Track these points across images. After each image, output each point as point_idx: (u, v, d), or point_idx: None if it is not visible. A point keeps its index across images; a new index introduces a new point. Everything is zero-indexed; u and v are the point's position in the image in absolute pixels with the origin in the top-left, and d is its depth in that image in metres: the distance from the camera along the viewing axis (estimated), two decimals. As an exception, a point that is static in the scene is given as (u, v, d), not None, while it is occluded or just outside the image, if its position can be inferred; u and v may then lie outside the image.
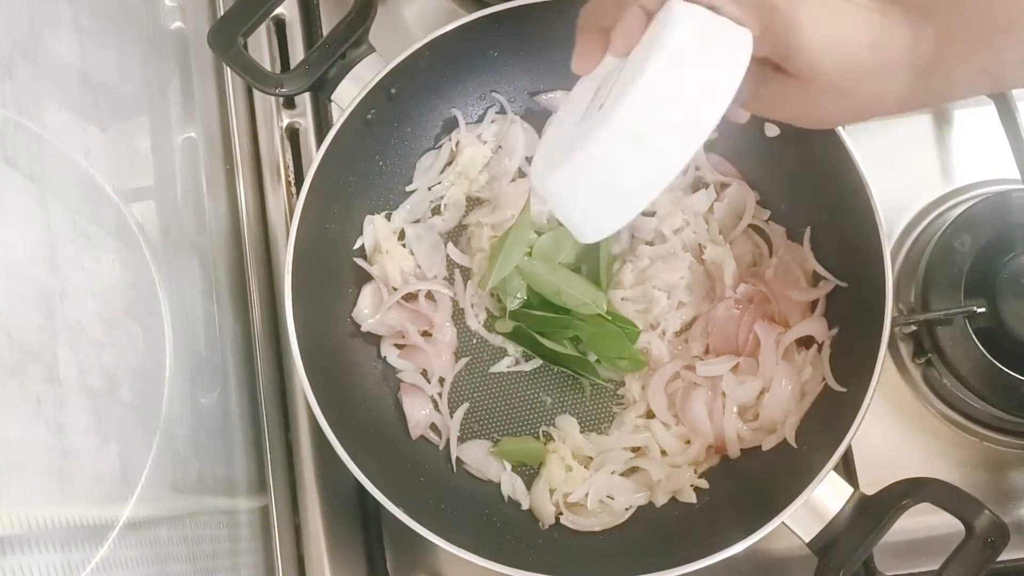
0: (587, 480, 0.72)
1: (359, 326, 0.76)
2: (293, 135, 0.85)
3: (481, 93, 0.80)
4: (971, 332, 0.70)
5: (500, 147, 0.80)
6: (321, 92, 0.72)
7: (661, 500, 0.72)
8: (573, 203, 0.49)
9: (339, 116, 0.71)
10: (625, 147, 0.45)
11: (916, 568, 0.72)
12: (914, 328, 0.75)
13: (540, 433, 0.75)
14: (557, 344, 0.74)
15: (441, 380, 0.76)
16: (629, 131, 0.45)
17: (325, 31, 0.80)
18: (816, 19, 0.48)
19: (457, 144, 0.80)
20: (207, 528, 0.64)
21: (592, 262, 0.75)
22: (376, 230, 0.77)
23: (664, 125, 0.45)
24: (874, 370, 0.63)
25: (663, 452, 0.73)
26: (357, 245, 0.77)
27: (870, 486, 0.63)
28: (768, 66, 0.50)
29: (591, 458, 0.74)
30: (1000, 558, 0.60)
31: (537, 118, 0.81)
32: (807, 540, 0.62)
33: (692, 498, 0.71)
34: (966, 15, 0.49)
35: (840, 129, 0.68)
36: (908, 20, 0.50)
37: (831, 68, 0.49)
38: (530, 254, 0.75)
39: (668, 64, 0.44)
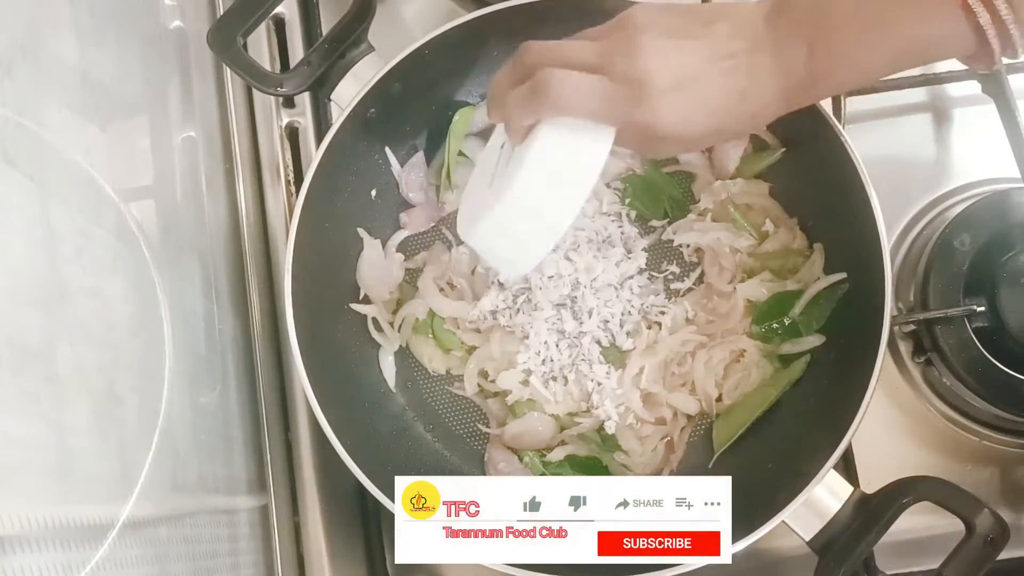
0: None
1: (360, 326, 0.76)
2: (293, 134, 0.85)
3: (482, 92, 0.80)
4: (971, 331, 0.70)
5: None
6: (320, 91, 0.72)
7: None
8: (489, 253, 0.62)
9: (339, 115, 0.71)
10: (518, 215, 0.57)
11: (916, 567, 0.72)
12: (913, 327, 0.75)
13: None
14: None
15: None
16: (518, 204, 0.56)
17: (324, 30, 0.80)
18: (673, 107, 0.51)
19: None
20: (207, 527, 0.64)
21: None
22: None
23: (544, 198, 0.56)
24: (874, 369, 0.63)
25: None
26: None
27: (870, 485, 0.63)
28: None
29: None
30: (1000, 557, 0.60)
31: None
32: (807, 539, 0.62)
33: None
34: (839, 27, 0.51)
35: (840, 128, 0.68)
36: (780, 43, 0.52)
37: (699, 134, 0.53)
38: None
39: (542, 153, 0.55)
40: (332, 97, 0.72)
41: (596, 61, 0.52)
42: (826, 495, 0.62)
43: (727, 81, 0.51)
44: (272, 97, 0.84)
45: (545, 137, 0.54)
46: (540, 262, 0.73)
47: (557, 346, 0.75)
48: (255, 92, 0.85)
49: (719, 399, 0.74)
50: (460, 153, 0.79)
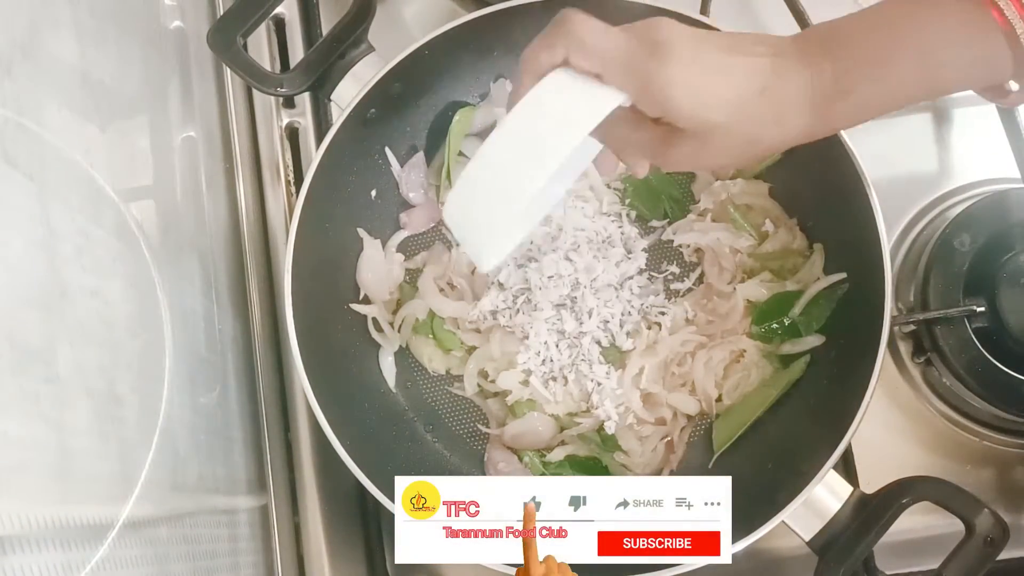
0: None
1: (360, 326, 0.76)
2: (293, 135, 0.85)
3: (482, 92, 0.80)
4: (971, 331, 0.70)
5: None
6: (320, 92, 0.73)
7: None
8: (457, 227, 0.54)
9: (339, 115, 0.71)
10: (484, 174, 0.51)
11: (916, 567, 0.72)
12: (913, 327, 0.75)
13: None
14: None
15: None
16: (486, 160, 0.51)
17: (324, 31, 0.80)
18: (690, 77, 0.49)
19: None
20: (207, 527, 0.64)
21: None
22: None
23: (514, 158, 0.50)
24: (874, 369, 0.63)
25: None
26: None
27: (870, 485, 0.63)
28: (665, 127, 0.51)
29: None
30: (1000, 557, 0.60)
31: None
32: (807, 539, 0.62)
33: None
34: (866, 46, 0.51)
35: (840, 128, 0.68)
36: (805, 58, 0.51)
37: (717, 119, 0.50)
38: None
39: (524, 110, 0.50)
40: (332, 97, 0.72)
41: (622, 31, 0.51)
42: (826, 495, 0.62)
43: (747, 73, 0.50)
44: (272, 97, 0.84)
45: (542, 87, 0.51)
46: (540, 260, 0.74)
47: (557, 346, 0.75)
48: (255, 92, 0.85)
49: (719, 399, 0.74)
50: (460, 153, 0.79)
